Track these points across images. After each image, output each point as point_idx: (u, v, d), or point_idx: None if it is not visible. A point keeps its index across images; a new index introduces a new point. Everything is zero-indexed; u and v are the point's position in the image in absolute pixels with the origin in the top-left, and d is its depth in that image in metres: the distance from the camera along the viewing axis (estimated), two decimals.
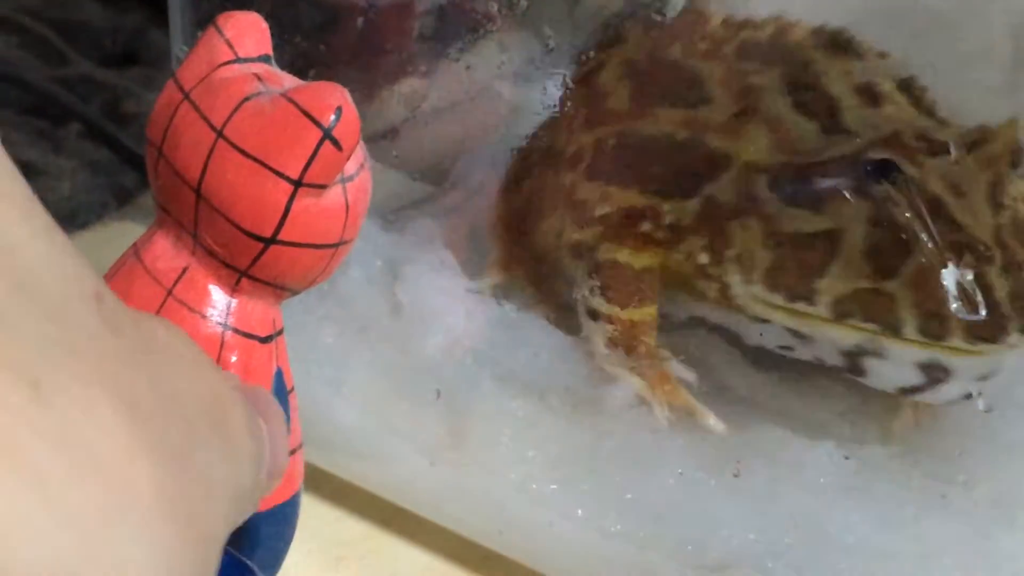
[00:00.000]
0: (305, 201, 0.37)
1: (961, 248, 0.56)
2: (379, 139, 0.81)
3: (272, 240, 0.38)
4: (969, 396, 0.59)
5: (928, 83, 0.86)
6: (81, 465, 0.23)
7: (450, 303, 0.67)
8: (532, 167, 0.70)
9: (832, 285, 0.57)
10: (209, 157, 0.37)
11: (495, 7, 0.78)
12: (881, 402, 0.64)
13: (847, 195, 0.59)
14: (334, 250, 0.39)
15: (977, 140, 0.59)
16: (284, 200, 0.37)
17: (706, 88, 0.65)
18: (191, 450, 0.27)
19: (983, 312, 0.55)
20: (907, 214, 0.57)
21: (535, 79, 0.83)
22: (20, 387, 0.22)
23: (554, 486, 0.61)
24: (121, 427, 0.24)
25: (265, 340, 0.41)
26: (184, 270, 0.40)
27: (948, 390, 0.58)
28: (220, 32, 0.40)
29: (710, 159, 0.62)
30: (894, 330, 0.56)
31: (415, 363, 0.66)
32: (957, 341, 0.56)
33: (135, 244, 0.41)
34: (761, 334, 0.62)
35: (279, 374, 0.42)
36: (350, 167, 0.39)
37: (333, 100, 0.36)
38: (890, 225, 0.58)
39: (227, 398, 0.30)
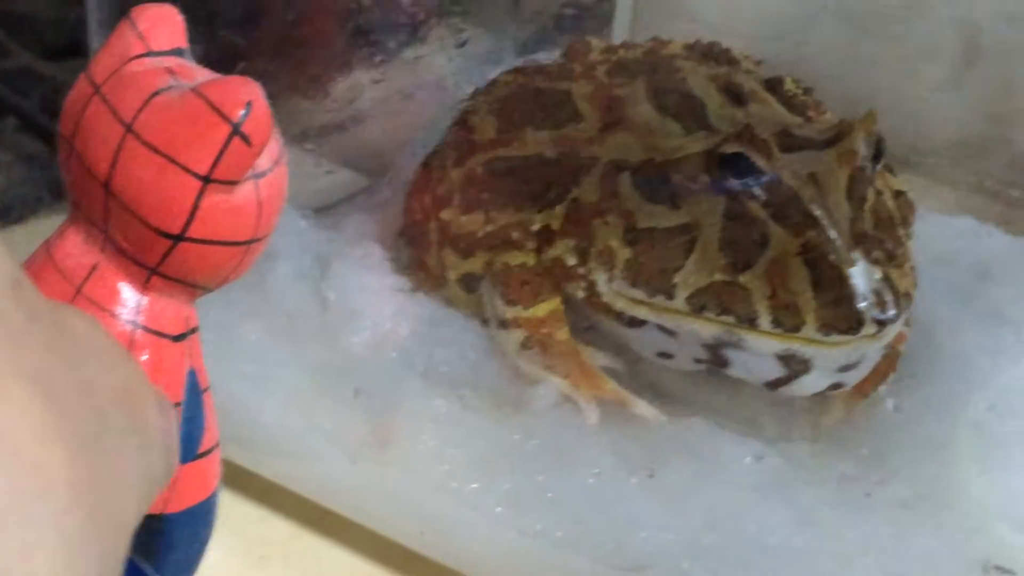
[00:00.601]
0: (214, 198, 0.37)
1: (816, 241, 0.56)
2: (319, 133, 0.81)
3: (180, 237, 0.37)
4: (837, 387, 0.59)
5: (873, 80, 0.86)
6: None
7: (378, 300, 0.67)
8: (431, 180, 0.70)
9: (689, 279, 0.58)
10: (118, 152, 0.37)
11: (430, 5, 0.78)
12: (810, 397, 0.63)
13: (702, 190, 0.59)
14: (246, 247, 0.39)
15: (837, 134, 0.59)
16: (192, 196, 0.36)
17: (575, 107, 0.67)
18: (104, 438, 0.27)
19: (837, 304, 0.55)
20: (761, 208, 0.58)
21: (477, 73, 0.83)
22: None
23: (475, 485, 0.60)
24: (36, 412, 0.24)
25: (177, 339, 0.40)
26: (94, 267, 0.39)
27: (811, 381, 0.59)
28: (133, 25, 0.39)
29: (578, 167, 0.64)
30: (750, 322, 0.57)
31: (340, 360, 0.65)
32: (811, 332, 0.56)
33: (47, 241, 0.40)
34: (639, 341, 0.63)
35: (192, 374, 0.41)
36: (263, 163, 0.38)
37: (243, 95, 0.36)
38: (744, 219, 0.58)
39: (141, 389, 0.30)
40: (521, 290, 0.64)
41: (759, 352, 0.59)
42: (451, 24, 0.85)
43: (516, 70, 0.72)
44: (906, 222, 0.65)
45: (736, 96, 0.66)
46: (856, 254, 0.56)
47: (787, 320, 0.57)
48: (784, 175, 0.59)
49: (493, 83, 0.71)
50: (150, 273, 0.38)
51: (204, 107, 0.36)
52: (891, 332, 0.60)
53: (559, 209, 0.64)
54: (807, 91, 0.73)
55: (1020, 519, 0.60)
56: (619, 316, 0.62)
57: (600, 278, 0.61)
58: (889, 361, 0.68)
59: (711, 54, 0.72)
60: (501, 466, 0.61)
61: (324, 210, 0.74)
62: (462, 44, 0.87)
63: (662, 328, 0.61)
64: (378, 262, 0.68)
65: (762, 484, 0.60)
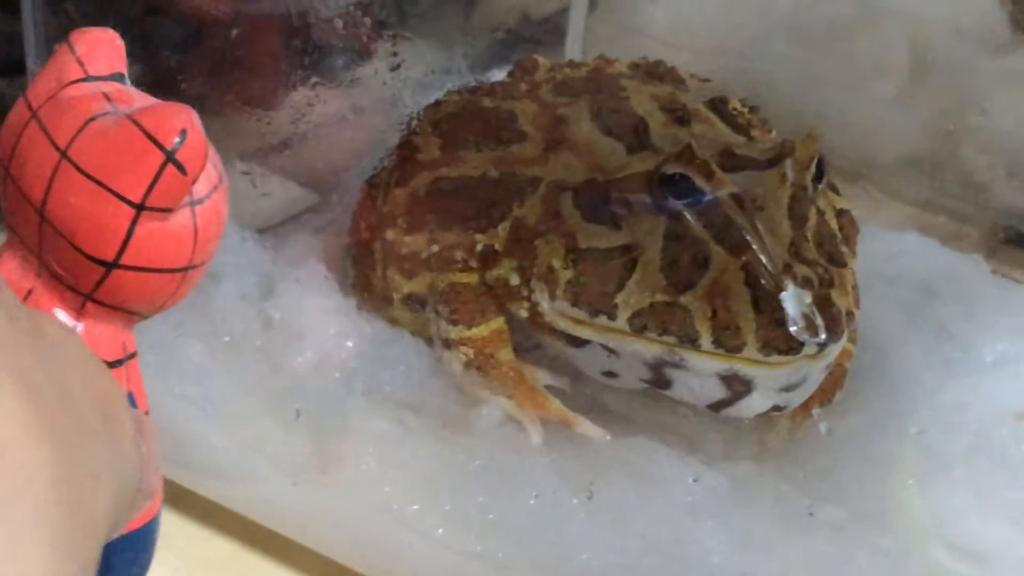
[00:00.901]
0: (148, 225, 0.36)
1: (756, 262, 0.57)
2: (266, 153, 0.80)
3: (114, 264, 0.37)
4: (779, 408, 0.59)
5: (824, 96, 0.86)
6: None
7: (321, 321, 0.66)
8: (376, 200, 0.70)
9: (630, 299, 0.58)
10: (53, 178, 0.37)
11: (374, 26, 0.78)
12: (755, 417, 0.63)
13: (643, 210, 0.59)
14: (183, 274, 0.38)
15: (779, 154, 0.59)
16: (126, 224, 0.36)
17: (519, 126, 0.67)
18: (81, 439, 0.27)
19: (777, 325, 0.56)
20: (702, 228, 0.58)
21: (428, 91, 0.83)
22: None
23: (416, 507, 0.60)
24: (20, 409, 0.24)
25: (114, 365, 0.40)
26: (29, 292, 0.39)
27: (754, 403, 0.59)
28: (72, 49, 0.39)
29: (520, 186, 0.64)
30: (691, 342, 0.57)
31: (283, 381, 0.65)
32: (752, 353, 0.56)
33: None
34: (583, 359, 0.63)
35: (129, 398, 0.41)
36: (200, 189, 0.38)
37: (177, 122, 0.36)
38: (685, 239, 0.58)
39: (116, 397, 0.31)
40: (465, 310, 0.64)
41: (701, 372, 0.59)
42: (401, 41, 0.85)
43: (461, 89, 0.72)
44: (849, 240, 0.65)
45: (679, 116, 0.66)
46: (789, 276, 0.56)
47: (728, 341, 0.57)
48: (725, 195, 0.59)
49: (438, 103, 0.71)
50: (85, 299, 0.38)
51: (138, 134, 0.36)
52: (833, 352, 0.60)
53: (502, 229, 0.64)
54: (752, 110, 0.73)
55: (959, 541, 0.60)
56: (562, 336, 0.62)
57: (543, 298, 0.61)
58: (835, 379, 0.68)
59: (656, 73, 0.72)
60: (443, 487, 0.61)
61: (269, 229, 0.73)
62: (410, 61, 0.87)
63: (606, 348, 0.61)
64: (322, 282, 0.68)
65: (704, 504, 0.60)
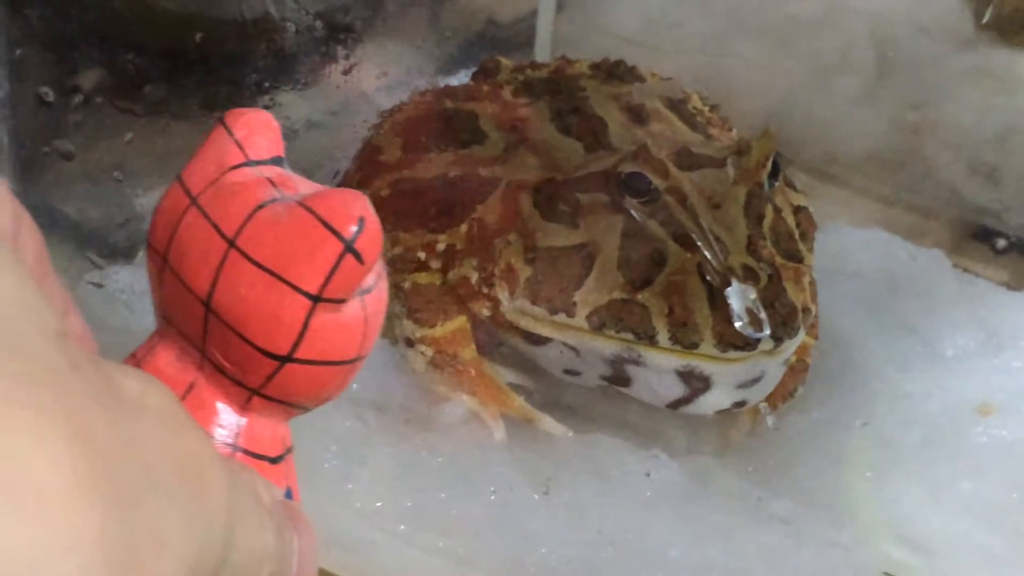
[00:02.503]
0: (323, 317, 0.34)
1: (712, 259, 0.57)
2: None
3: (288, 358, 0.34)
4: (740, 404, 0.60)
5: (789, 94, 0.87)
6: (23, 500, 0.22)
7: None
8: None
9: (588, 297, 0.59)
10: (220, 268, 0.34)
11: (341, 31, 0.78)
12: (721, 412, 0.64)
13: (600, 209, 0.60)
14: (351, 366, 0.36)
15: (735, 153, 0.60)
16: (302, 316, 0.34)
17: (480, 127, 0.68)
18: (147, 499, 0.25)
19: (764, 332, 0.56)
20: (658, 226, 0.59)
21: (397, 92, 0.83)
22: None
23: (379, 503, 0.60)
24: (72, 463, 0.23)
25: (275, 460, 0.38)
26: (190, 386, 0.36)
27: (713, 399, 0.60)
28: (229, 132, 0.37)
29: (481, 187, 0.64)
30: (649, 339, 0.58)
31: None
32: (709, 349, 0.57)
33: (135, 354, 0.38)
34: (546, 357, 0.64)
35: (288, 494, 0.38)
36: (369, 278, 0.36)
37: (355, 210, 0.34)
38: (642, 238, 0.59)
39: (204, 458, 0.28)
40: (427, 309, 0.64)
41: (659, 369, 0.60)
42: (368, 45, 0.85)
43: (425, 92, 0.73)
44: (806, 237, 0.65)
45: (638, 115, 0.67)
46: (740, 272, 0.57)
47: (685, 337, 0.58)
48: (680, 194, 0.60)
49: (400, 105, 0.72)
50: (251, 394, 0.36)
51: (313, 222, 0.34)
52: (790, 348, 0.60)
53: (463, 229, 0.64)
54: (713, 108, 0.74)
55: (912, 532, 0.61)
56: (523, 334, 0.63)
57: (503, 296, 0.62)
58: (797, 374, 0.69)
59: (617, 73, 0.73)
60: (405, 484, 0.61)
61: None
62: (377, 64, 0.88)
63: (566, 345, 0.62)
64: None
65: (663, 498, 0.61)
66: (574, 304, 0.60)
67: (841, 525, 0.61)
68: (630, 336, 0.59)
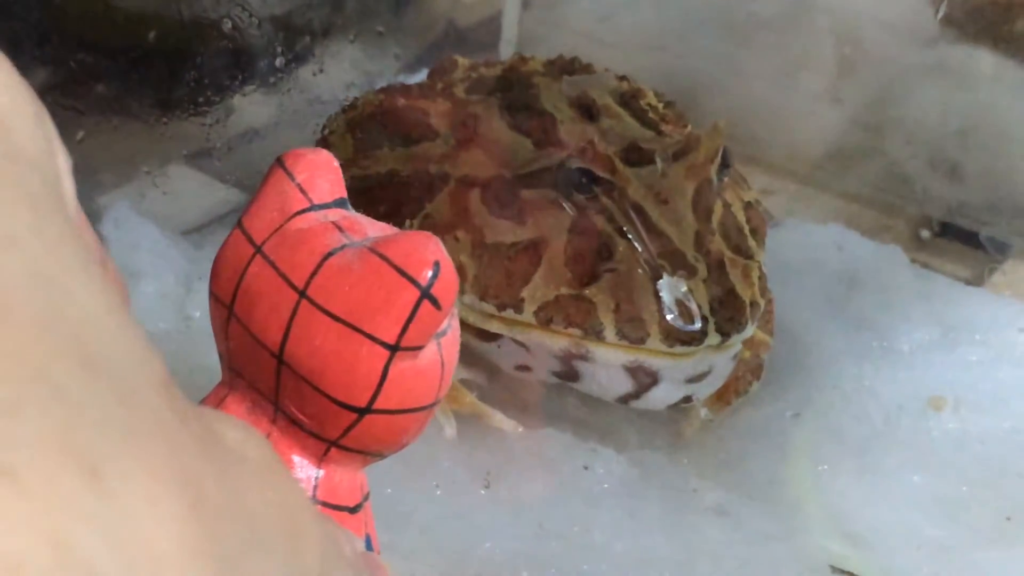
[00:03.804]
0: (401, 365, 0.33)
1: (659, 254, 0.58)
2: (202, 153, 0.81)
3: (367, 410, 0.34)
4: (689, 399, 0.60)
5: (751, 91, 0.87)
6: (138, 563, 0.20)
7: None
8: None
9: (536, 293, 0.59)
10: (291, 320, 0.33)
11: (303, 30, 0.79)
12: (670, 408, 0.64)
13: (548, 205, 0.60)
14: (429, 411, 0.35)
15: (684, 148, 0.60)
16: (380, 367, 0.33)
17: (430, 124, 0.68)
18: (252, 557, 0.24)
19: (695, 324, 0.57)
20: (605, 222, 0.59)
21: (359, 91, 0.84)
22: (78, 474, 0.19)
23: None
24: (184, 524, 0.22)
25: (354, 510, 0.37)
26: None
27: (662, 394, 0.60)
28: (290, 175, 0.35)
29: (430, 183, 0.64)
30: (596, 334, 0.58)
31: (204, 379, 0.65)
32: (655, 344, 0.57)
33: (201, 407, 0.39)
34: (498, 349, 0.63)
35: (367, 542, 0.38)
36: (443, 321, 0.35)
37: (429, 255, 0.33)
38: (589, 233, 0.59)
39: (300, 511, 0.27)
40: None
41: (607, 364, 0.60)
42: (333, 44, 0.86)
43: (379, 90, 0.73)
44: (757, 232, 0.66)
45: (588, 111, 0.67)
46: (681, 268, 0.57)
47: (631, 332, 0.58)
48: (628, 189, 0.60)
49: (354, 104, 0.72)
50: (329, 446, 0.35)
51: (387, 269, 0.33)
52: (737, 342, 0.61)
53: (413, 226, 0.64)
54: (668, 104, 0.74)
55: (861, 525, 0.61)
56: (474, 330, 0.63)
57: None
58: (752, 370, 0.69)
59: (570, 70, 0.73)
60: None
61: (194, 231, 0.74)
62: (339, 64, 0.88)
63: (516, 342, 0.62)
64: None
65: (610, 493, 0.61)
66: (522, 300, 0.60)
67: (788, 519, 0.61)
68: (578, 332, 0.59)
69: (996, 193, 0.83)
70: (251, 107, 0.83)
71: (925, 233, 0.84)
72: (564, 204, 0.61)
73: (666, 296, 0.57)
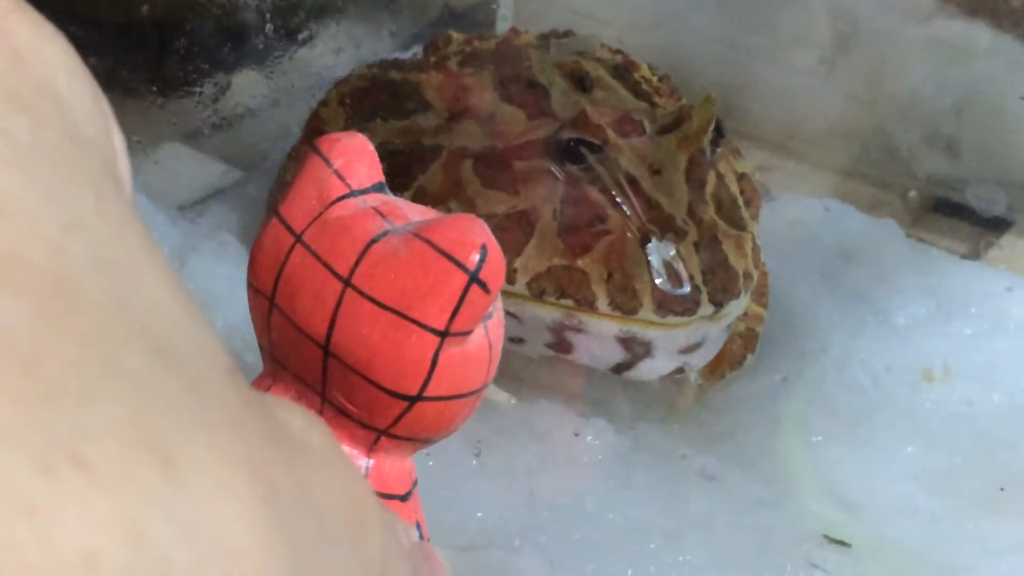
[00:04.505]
0: (451, 351, 0.33)
1: (652, 224, 0.58)
2: (200, 131, 0.81)
3: (418, 398, 0.33)
4: (681, 370, 0.60)
5: (748, 67, 0.87)
6: (212, 556, 0.20)
7: (232, 290, 0.67)
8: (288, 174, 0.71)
9: (528, 263, 0.59)
10: (337, 309, 0.33)
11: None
12: (665, 379, 0.64)
13: (540, 176, 0.60)
14: (478, 395, 0.35)
15: (676, 120, 0.60)
16: (430, 354, 0.32)
17: (424, 97, 0.68)
18: (321, 547, 0.24)
19: (684, 287, 0.57)
20: (598, 192, 0.59)
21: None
22: (151, 462, 0.19)
23: None
24: (258, 513, 0.21)
25: (405, 497, 0.36)
26: None
27: (655, 365, 0.60)
28: (326, 161, 0.35)
29: (423, 155, 0.64)
30: (589, 305, 0.58)
31: None
32: (648, 314, 0.57)
33: (262, 393, 0.37)
34: None
35: (418, 527, 0.37)
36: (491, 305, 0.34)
37: (476, 238, 0.32)
38: (582, 204, 0.59)
39: (366, 503, 0.26)
40: None
41: (600, 335, 0.60)
42: (329, 21, 0.86)
43: (372, 64, 0.73)
44: (750, 204, 0.66)
45: (581, 83, 0.67)
46: (657, 229, 0.57)
47: (624, 302, 0.58)
48: (620, 160, 0.60)
49: (347, 77, 0.72)
50: (380, 435, 0.35)
51: (434, 255, 0.32)
52: (731, 313, 0.61)
53: (406, 197, 0.64)
54: (662, 78, 0.74)
55: (854, 495, 0.61)
56: None
57: None
58: (746, 342, 0.69)
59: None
60: None
61: (190, 206, 0.74)
62: (335, 41, 0.88)
63: (508, 313, 0.62)
64: (235, 253, 0.69)
65: (602, 463, 0.62)
66: (514, 271, 0.60)
67: (781, 488, 0.62)
68: (570, 302, 0.59)
69: (992, 168, 0.82)
70: (246, 84, 0.83)
71: (912, 194, 0.84)
72: (557, 175, 0.61)
73: (654, 259, 0.57)
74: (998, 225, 0.82)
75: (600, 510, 0.59)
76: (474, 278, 0.32)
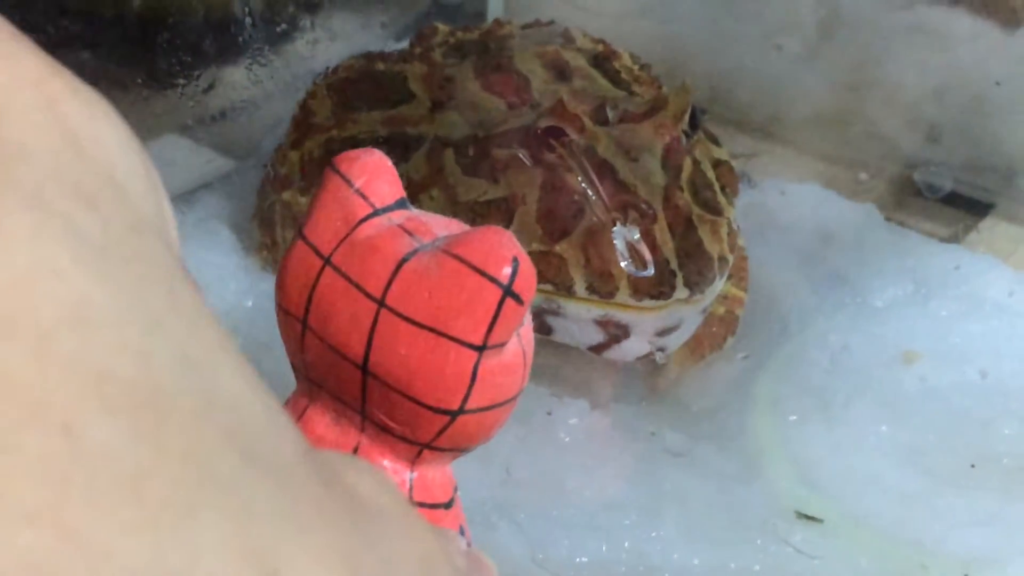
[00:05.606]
0: (488, 364, 0.33)
1: (627, 209, 0.59)
2: (193, 122, 0.83)
3: (460, 412, 0.34)
4: (659, 351, 0.62)
5: (735, 55, 0.88)
6: None
7: (222, 278, 0.69)
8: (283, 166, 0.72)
9: None
10: (373, 330, 0.33)
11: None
12: (643, 360, 0.66)
13: (519, 163, 0.62)
14: (515, 400, 0.36)
15: (653, 107, 0.61)
16: (469, 368, 0.33)
17: (408, 87, 0.70)
18: None
19: (648, 269, 0.58)
20: (576, 179, 0.60)
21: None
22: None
23: None
24: None
25: (448, 505, 0.37)
26: (355, 449, 0.35)
27: (632, 346, 0.61)
28: (348, 181, 0.35)
29: (407, 144, 0.66)
30: (567, 290, 0.60)
31: None
32: (624, 298, 0.58)
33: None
34: None
35: (462, 531, 0.38)
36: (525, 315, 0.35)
37: (506, 251, 0.32)
38: (560, 190, 0.61)
39: (435, 557, 0.26)
40: None
41: (578, 318, 0.61)
42: (321, 16, 0.87)
43: (359, 55, 0.74)
44: (726, 190, 0.67)
45: (561, 72, 0.68)
46: (620, 214, 0.59)
47: (601, 287, 0.59)
48: (598, 147, 0.61)
49: (335, 68, 0.74)
50: (421, 448, 0.35)
51: (466, 271, 0.32)
52: (707, 297, 0.62)
53: None
54: (643, 67, 0.75)
55: (828, 473, 0.63)
56: None
57: None
58: (727, 325, 0.71)
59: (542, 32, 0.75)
60: None
61: (182, 195, 0.76)
62: (327, 33, 0.90)
63: None
64: (225, 242, 0.71)
65: (580, 443, 0.63)
66: None
67: (755, 466, 0.63)
68: (549, 287, 0.60)
69: (972, 153, 0.84)
70: (238, 76, 0.84)
71: (903, 192, 0.85)
72: (535, 162, 0.62)
73: (618, 243, 0.58)
74: (978, 209, 0.83)
75: (577, 487, 0.61)
76: (508, 291, 0.32)
